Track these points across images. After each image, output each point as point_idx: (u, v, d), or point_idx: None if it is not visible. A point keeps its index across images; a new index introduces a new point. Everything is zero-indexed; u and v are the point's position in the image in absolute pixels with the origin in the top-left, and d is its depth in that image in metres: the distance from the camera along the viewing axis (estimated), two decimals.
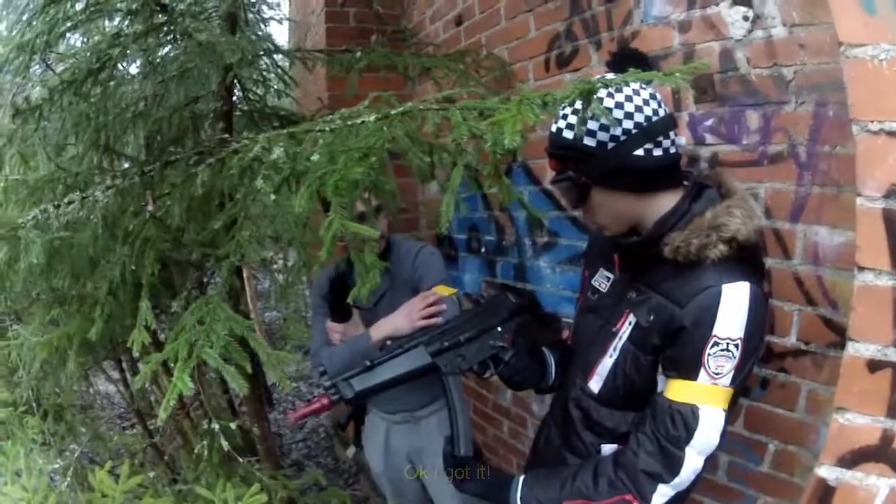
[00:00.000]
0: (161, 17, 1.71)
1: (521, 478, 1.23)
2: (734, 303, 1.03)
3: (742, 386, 1.10)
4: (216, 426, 1.79)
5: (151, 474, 2.10)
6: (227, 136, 1.74)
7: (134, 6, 1.63)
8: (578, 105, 1.02)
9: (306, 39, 3.25)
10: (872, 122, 0.88)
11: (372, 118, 1.18)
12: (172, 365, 1.23)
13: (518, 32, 2.44)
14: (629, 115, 1.10)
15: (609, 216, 1.18)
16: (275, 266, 3.28)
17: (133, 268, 1.49)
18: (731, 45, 1.60)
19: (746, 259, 1.09)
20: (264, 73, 2.05)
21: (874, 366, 0.93)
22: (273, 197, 1.18)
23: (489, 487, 1.26)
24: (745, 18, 1.57)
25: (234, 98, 1.95)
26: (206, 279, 2.09)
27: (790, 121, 1.48)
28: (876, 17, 0.93)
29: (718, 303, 1.04)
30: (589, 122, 1.10)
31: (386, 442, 2.12)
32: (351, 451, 2.02)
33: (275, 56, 2.06)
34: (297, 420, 1.24)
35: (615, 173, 1.13)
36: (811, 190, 1.44)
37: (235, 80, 1.89)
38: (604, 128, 1.10)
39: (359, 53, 2.11)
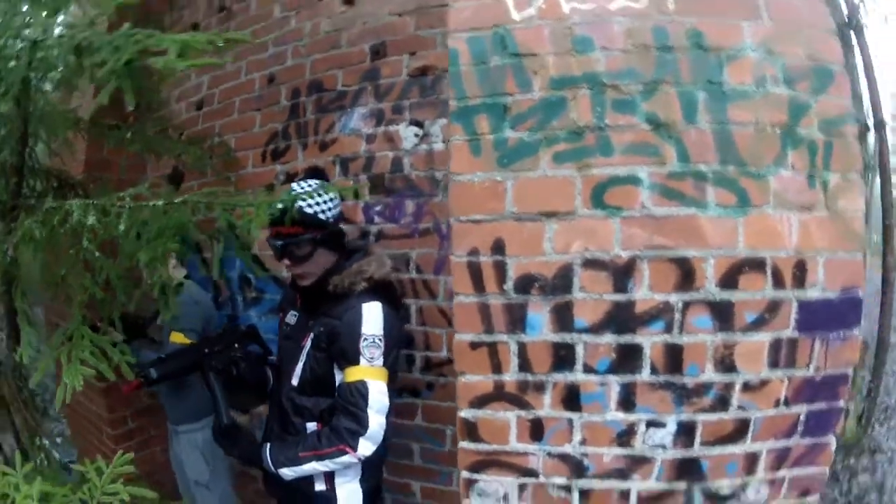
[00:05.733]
0: None
1: (268, 444, 1.73)
2: (371, 313, 1.69)
3: (392, 366, 1.72)
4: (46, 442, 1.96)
5: None
6: (20, 190, 1.90)
7: None
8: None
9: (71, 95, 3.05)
10: (462, 216, 1.51)
11: (161, 202, 1.58)
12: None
13: (246, 125, 2.89)
14: (336, 205, 1.76)
15: (319, 266, 1.76)
16: None
17: None
18: (402, 153, 2.31)
19: (382, 291, 1.78)
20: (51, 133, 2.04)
21: (474, 346, 1.51)
22: (97, 254, 1.57)
23: (249, 451, 1.76)
24: (416, 135, 2.29)
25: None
26: None
27: (437, 207, 2.23)
28: (479, 158, 1.50)
29: (361, 313, 1.69)
30: (322, 204, 1.71)
31: (170, 440, 2.67)
32: None
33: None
34: (128, 393, 1.76)
35: (333, 236, 1.77)
36: (449, 252, 2.19)
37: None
38: (327, 209, 1.72)
39: (129, 134, 2.36)
